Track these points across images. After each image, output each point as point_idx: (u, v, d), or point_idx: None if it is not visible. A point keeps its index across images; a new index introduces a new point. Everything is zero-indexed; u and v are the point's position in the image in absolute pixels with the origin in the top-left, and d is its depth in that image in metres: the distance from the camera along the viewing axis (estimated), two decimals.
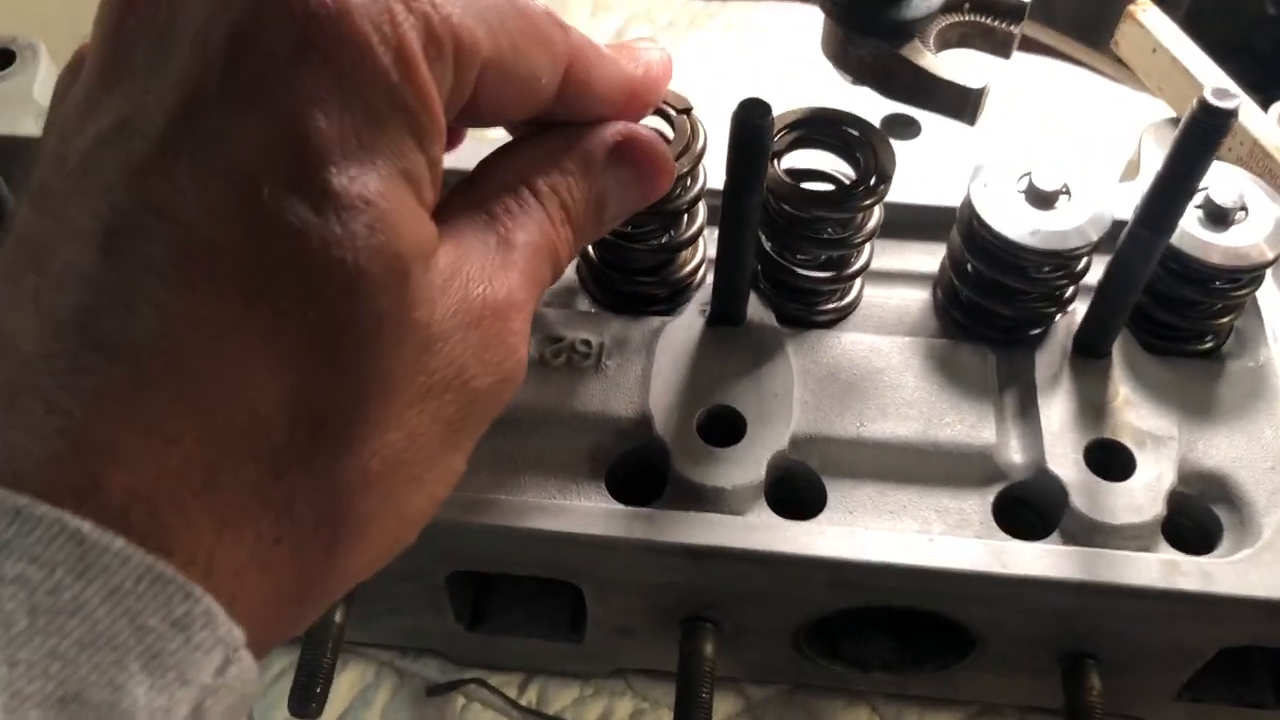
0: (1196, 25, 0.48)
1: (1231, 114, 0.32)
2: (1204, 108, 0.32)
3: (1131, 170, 0.48)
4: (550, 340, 0.41)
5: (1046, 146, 0.41)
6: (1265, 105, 0.46)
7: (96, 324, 0.22)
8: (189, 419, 0.22)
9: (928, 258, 0.46)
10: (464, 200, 0.30)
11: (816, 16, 0.73)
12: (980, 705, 0.46)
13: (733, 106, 0.34)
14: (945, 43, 0.39)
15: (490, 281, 0.28)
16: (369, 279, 0.24)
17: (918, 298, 0.45)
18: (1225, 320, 0.42)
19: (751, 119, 0.34)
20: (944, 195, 0.46)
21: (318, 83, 0.23)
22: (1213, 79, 0.46)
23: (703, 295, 0.42)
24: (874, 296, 0.44)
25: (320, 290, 0.23)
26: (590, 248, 0.43)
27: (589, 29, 0.71)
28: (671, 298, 0.43)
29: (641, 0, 0.73)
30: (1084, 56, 0.75)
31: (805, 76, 0.67)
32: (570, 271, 0.45)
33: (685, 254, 0.43)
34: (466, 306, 0.27)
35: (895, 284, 0.45)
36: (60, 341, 0.22)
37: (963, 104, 0.37)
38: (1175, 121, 0.48)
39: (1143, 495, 0.38)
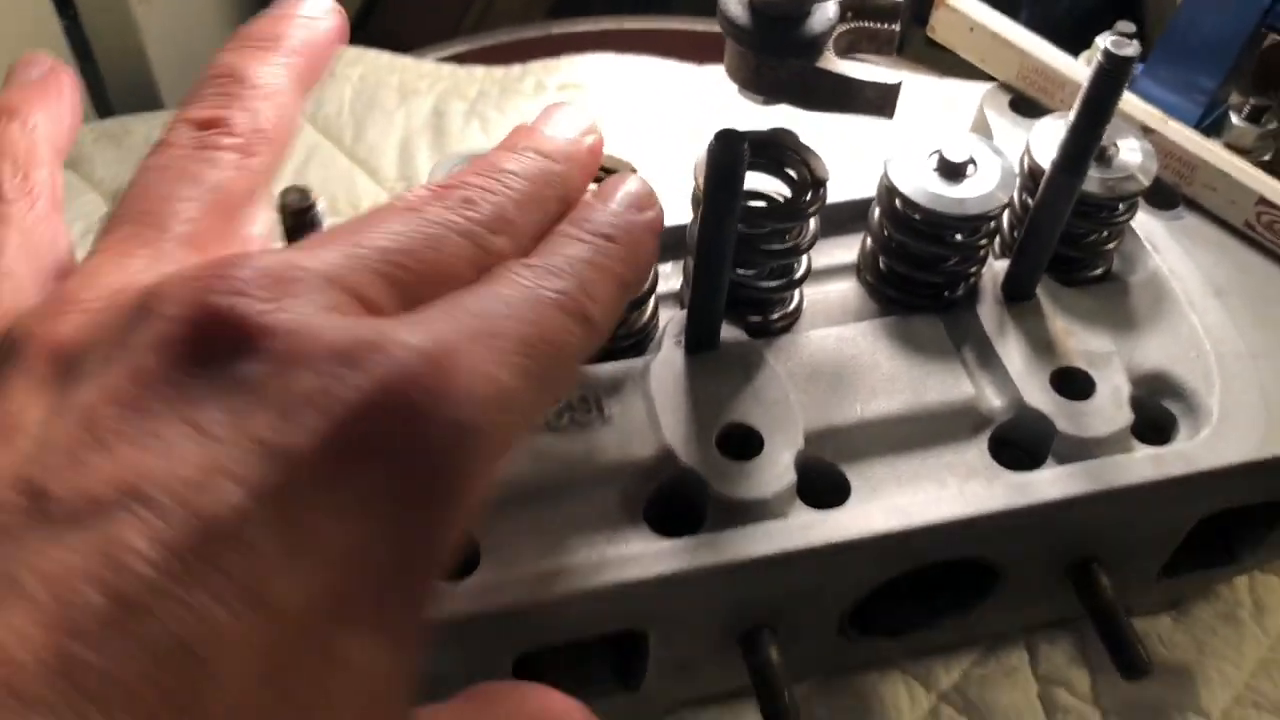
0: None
1: (1132, 59, 0.37)
2: (1109, 57, 0.37)
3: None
4: None
5: (918, 129, 0.45)
6: (1075, 53, 0.53)
7: None
8: None
9: (841, 250, 0.49)
10: None
11: (619, 62, 0.76)
12: (991, 639, 0.50)
13: None
14: (839, 51, 0.43)
15: None
16: None
17: (848, 287, 0.48)
18: (1113, 245, 0.47)
19: (731, 147, 0.36)
20: (838, 192, 0.49)
21: None
22: (1031, 43, 0.52)
23: (673, 329, 0.44)
24: (812, 295, 0.47)
25: None
26: None
27: (401, 115, 0.71)
28: (639, 341, 0.45)
29: (446, 79, 0.74)
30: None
31: (635, 121, 0.71)
32: None
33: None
34: None
35: (824, 280, 0.48)
36: None
37: (885, 100, 0.40)
38: (1004, 87, 0.54)
39: (1111, 406, 0.42)
